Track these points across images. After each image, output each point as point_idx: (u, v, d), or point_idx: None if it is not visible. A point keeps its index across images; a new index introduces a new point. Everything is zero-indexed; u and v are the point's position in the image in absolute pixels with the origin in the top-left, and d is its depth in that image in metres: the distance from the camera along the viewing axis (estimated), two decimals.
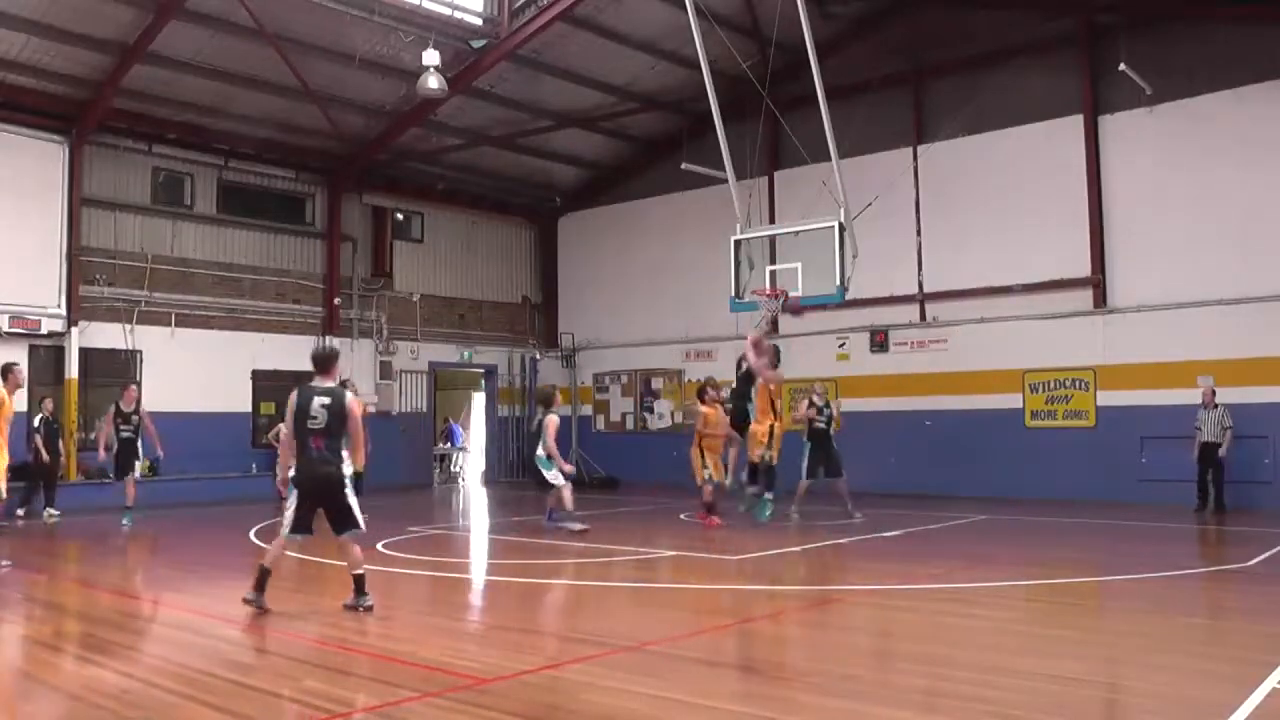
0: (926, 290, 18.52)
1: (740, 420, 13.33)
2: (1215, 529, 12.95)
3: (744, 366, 13.40)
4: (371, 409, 14.75)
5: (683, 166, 19.18)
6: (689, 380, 21.81)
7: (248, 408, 19.18)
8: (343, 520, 7.38)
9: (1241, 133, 15.42)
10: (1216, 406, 14.40)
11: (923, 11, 18.51)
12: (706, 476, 13.35)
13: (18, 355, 16.26)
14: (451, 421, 26.28)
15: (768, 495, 13.13)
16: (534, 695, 5.30)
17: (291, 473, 7.40)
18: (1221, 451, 14.21)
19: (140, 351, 17.72)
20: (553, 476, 12.63)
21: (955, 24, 18.12)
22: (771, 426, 13.28)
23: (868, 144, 17.59)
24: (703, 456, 13.40)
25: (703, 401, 13.74)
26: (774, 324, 19.80)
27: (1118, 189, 16.60)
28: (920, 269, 18.52)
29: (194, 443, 17.68)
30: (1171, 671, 5.76)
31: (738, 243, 14.23)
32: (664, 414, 22.26)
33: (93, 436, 17.42)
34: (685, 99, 19.58)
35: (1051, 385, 17.10)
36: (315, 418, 7.27)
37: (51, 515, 14.94)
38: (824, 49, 14.52)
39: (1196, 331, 15.54)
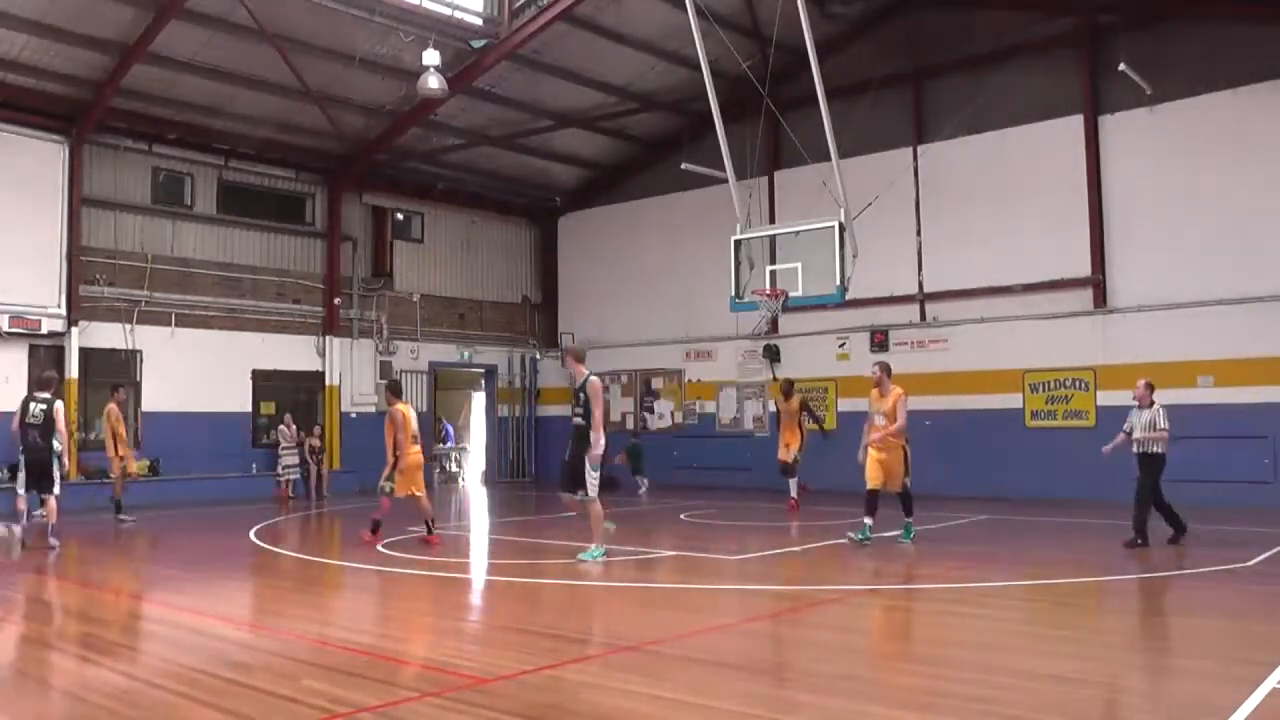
0: (926, 290, 18.52)
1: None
2: (1212, 529, 12.93)
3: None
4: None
5: (683, 166, 19.17)
6: (689, 380, 21.85)
7: (248, 408, 19.19)
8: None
9: (1241, 133, 15.41)
10: None
11: (923, 11, 18.52)
12: (387, 489, 11.48)
13: (18, 355, 16.36)
14: (445, 421, 26.24)
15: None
16: (534, 695, 5.29)
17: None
18: None
19: (140, 351, 17.72)
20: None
21: (955, 24, 18.13)
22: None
23: (868, 144, 17.60)
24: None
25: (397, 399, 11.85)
26: (774, 323, 19.86)
27: (1118, 189, 16.59)
28: (920, 269, 18.52)
29: (194, 443, 17.74)
30: (1171, 671, 5.76)
31: (738, 243, 14.22)
32: (664, 414, 22.25)
33: (95, 436, 17.48)
34: (685, 99, 19.58)
35: (1051, 385, 17.10)
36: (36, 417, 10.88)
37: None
38: (824, 49, 14.51)
39: (1196, 331, 15.54)
